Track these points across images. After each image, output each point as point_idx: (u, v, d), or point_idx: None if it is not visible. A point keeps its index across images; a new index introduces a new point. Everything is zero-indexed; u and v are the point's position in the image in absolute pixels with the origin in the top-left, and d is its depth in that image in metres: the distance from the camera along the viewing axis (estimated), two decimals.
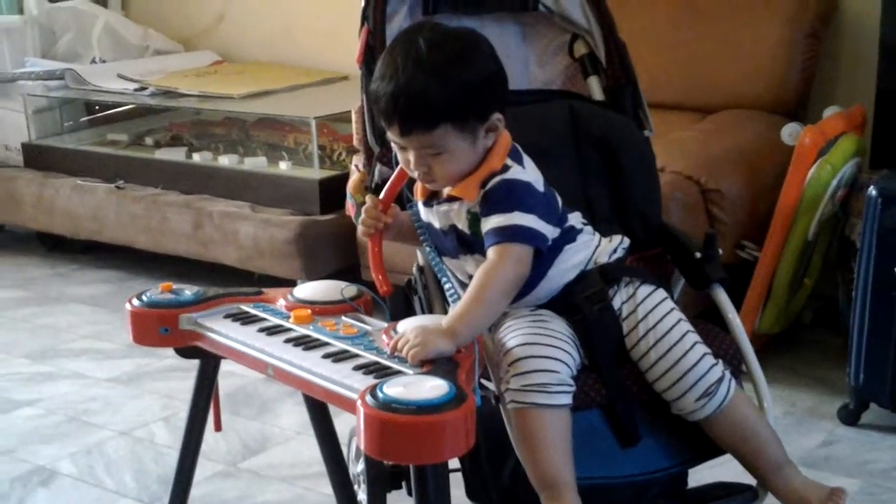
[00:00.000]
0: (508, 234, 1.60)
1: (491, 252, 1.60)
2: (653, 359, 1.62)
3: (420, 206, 1.73)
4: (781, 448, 1.66)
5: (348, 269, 3.12)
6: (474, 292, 1.57)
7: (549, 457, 1.55)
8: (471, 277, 1.62)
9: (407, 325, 1.56)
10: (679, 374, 1.61)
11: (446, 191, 1.67)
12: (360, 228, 1.74)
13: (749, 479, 1.69)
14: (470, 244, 1.66)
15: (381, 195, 1.74)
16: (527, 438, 1.56)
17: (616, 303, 1.68)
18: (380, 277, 1.70)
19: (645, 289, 1.69)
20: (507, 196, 1.61)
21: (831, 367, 2.80)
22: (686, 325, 1.65)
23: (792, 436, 2.48)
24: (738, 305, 1.91)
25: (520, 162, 1.66)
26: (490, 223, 1.61)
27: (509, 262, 1.58)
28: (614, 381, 1.63)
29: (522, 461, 1.57)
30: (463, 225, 1.65)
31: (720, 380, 1.62)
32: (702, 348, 1.63)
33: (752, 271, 2.71)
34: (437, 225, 1.70)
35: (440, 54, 1.58)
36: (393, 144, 1.67)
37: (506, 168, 1.63)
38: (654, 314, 1.65)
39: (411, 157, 1.62)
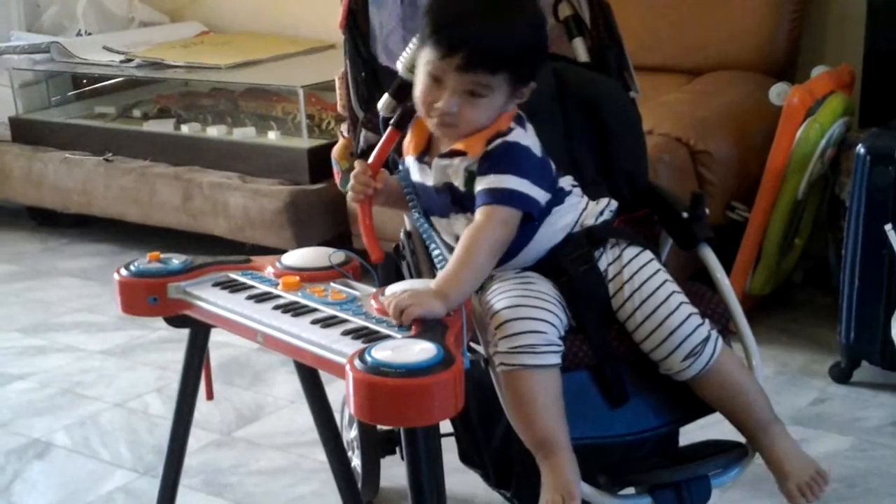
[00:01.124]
0: (499, 197, 1.59)
1: (479, 213, 1.59)
2: (639, 320, 1.62)
3: (411, 162, 1.72)
4: (769, 407, 1.66)
5: (339, 237, 3.11)
6: (461, 254, 1.57)
7: (542, 417, 1.55)
8: (457, 238, 1.62)
9: (395, 290, 1.56)
10: (665, 335, 1.61)
11: (443, 146, 1.65)
12: (349, 195, 1.72)
13: (740, 438, 1.70)
14: (463, 202, 1.65)
15: (370, 160, 1.73)
16: (518, 400, 1.57)
17: (602, 264, 1.67)
18: (371, 243, 1.69)
19: (631, 250, 1.68)
20: (505, 158, 1.61)
21: (822, 326, 2.81)
22: (672, 286, 1.64)
23: (784, 395, 2.49)
24: (728, 267, 1.91)
25: (522, 126, 1.66)
26: (483, 183, 1.60)
27: (496, 224, 1.58)
28: (601, 342, 1.63)
29: (514, 423, 1.57)
30: (459, 182, 1.64)
31: (706, 339, 1.62)
32: (688, 308, 1.63)
33: (742, 232, 2.71)
34: (429, 182, 1.68)
35: (521, 4, 1.61)
36: (422, 74, 1.61)
37: (509, 130, 1.63)
38: (639, 275, 1.65)
39: (446, 93, 1.59)
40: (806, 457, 1.66)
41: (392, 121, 1.74)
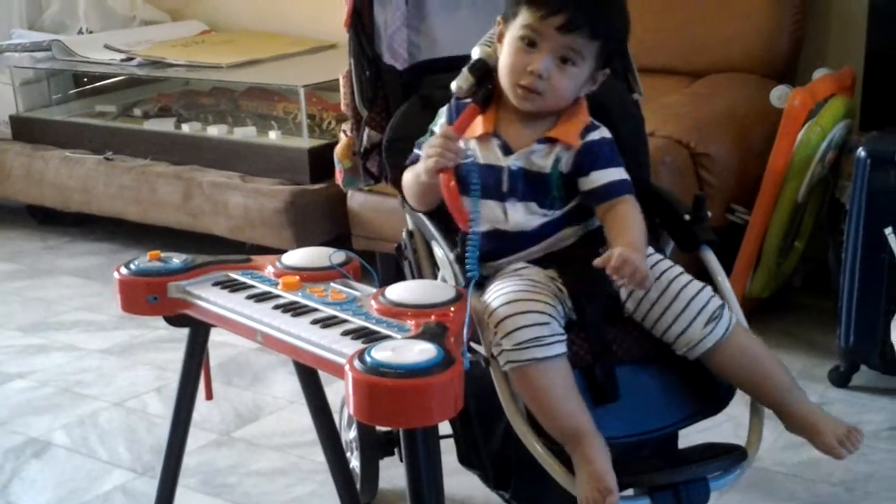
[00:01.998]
0: (628, 187, 1.68)
1: (626, 202, 1.66)
2: (653, 297, 1.62)
3: (475, 143, 1.70)
4: (788, 372, 1.66)
5: (339, 237, 3.11)
6: (639, 227, 1.64)
7: (562, 407, 1.55)
8: (494, 222, 1.65)
9: (399, 290, 1.56)
10: (683, 304, 1.61)
11: (512, 129, 1.68)
12: (430, 161, 1.65)
13: (739, 441, 1.70)
14: (535, 190, 1.67)
15: (454, 126, 1.69)
16: (534, 395, 1.56)
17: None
18: (459, 213, 1.64)
19: None
20: (612, 151, 1.70)
21: (822, 329, 2.81)
22: (680, 268, 1.66)
23: None
24: (728, 269, 1.91)
25: None
26: (610, 175, 1.67)
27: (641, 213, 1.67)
28: (598, 337, 1.62)
29: (537, 417, 1.56)
30: (545, 167, 1.67)
31: (722, 306, 1.63)
32: (699, 282, 1.65)
33: (742, 235, 2.71)
34: (500, 163, 1.68)
35: None
36: (514, 40, 1.65)
37: (595, 125, 1.71)
38: (647, 261, 1.65)
39: (541, 55, 1.62)
40: (835, 417, 1.64)
41: (476, 98, 1.72)
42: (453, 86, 1.74)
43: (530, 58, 1.64)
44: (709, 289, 1.64)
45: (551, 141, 1.68)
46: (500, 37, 1.71)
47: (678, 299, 1.61)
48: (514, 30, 1.66)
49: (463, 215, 1.64)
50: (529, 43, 1.64)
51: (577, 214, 1.72)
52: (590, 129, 1.70)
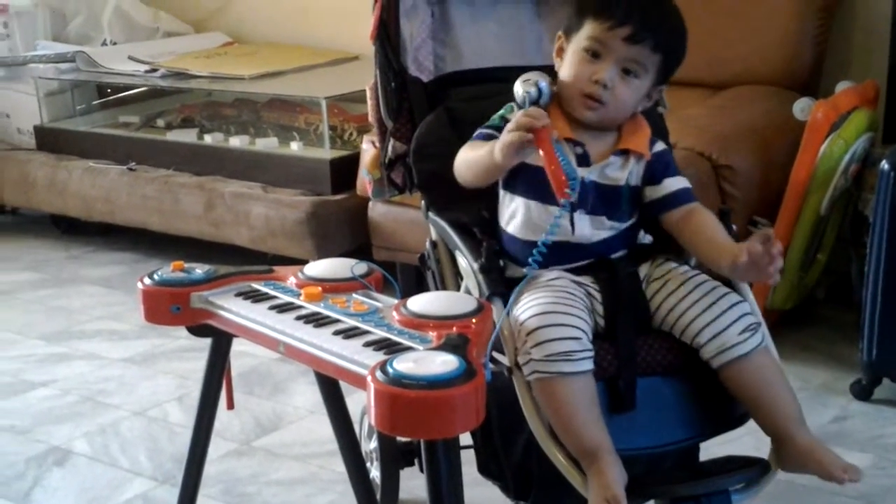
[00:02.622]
0: (694, 195, 1.73)
1: (701, 208, 1.71)
2: (695, 298, 1.64)
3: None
4: (798, 404, 1.66)
5: (360, 248, 3.12)
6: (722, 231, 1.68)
7: (583, 423, 1.55)
8: (543, 232, 1.64)
9: (421, 301, 1.57)
10: (723, 308, 1.62)
11: (600, 146, 1.69)
12: (514, 135, 1.59)
13: (761, 454, 1.69)
14: (606, 203, 1.68)
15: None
16: (557, 408, 1.56)
17: (641, 272, 1.70)
18: (558, 178, 1.57)
19: (670, 262, 1.73)
20: (674, 161, 1.77)
21: (844, 342, 2.79)
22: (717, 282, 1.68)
23: (805, 411, 2.42)
24: (750, 282, 1.90)
25: None
26: (678, 183, 1.72)
27: None
28: (627, 344, 1.62)
29: (556, 430, 1.57)
30: (620, 180, 1.69)
31: (759, 324, 1.64)
32: (739, 296, 1.66)
33: None
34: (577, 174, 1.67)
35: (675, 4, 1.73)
36: (578, 51, 1.68)
37: (654, 137, 1.75)
38: (683, 273, 1.69)
39: (606, 64, 1.65)
40: (835, 454, 1.65)
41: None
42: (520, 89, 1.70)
43: (595, 67, 1.66)
44: (746, 304, 1.65)
45: (625, 153, 1.70)
46: (560, 52, 1.74)
47: (718, 304, 1.63)
48: (579, 41, 1.68)
49: (561, 182, 1.57)
50: (594, 54, 1.67)
51: (636, 228, 1.75)
52: (653, 140, 1.74)
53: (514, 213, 1.73)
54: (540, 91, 1.68)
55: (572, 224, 1.68)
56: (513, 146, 1.61)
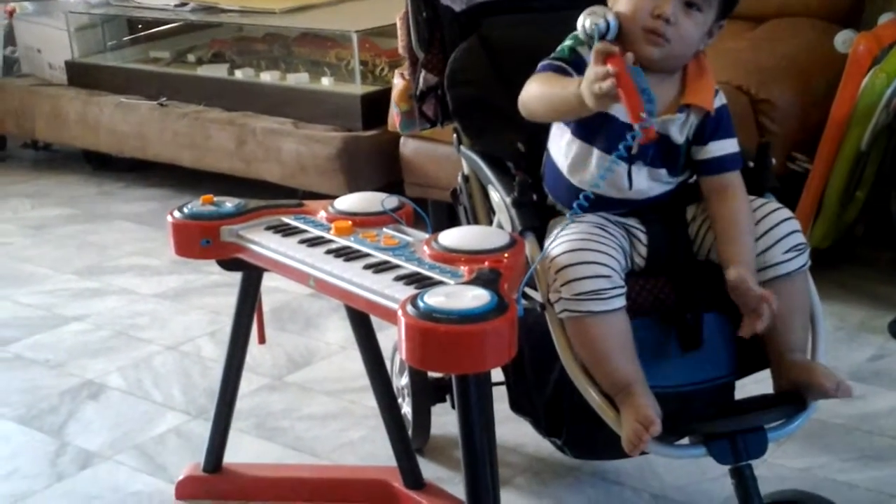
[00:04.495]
0: (737, 162, 1.65)
1: (734, 186, 1.63)
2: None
3: None
4: (807, 338, 1.63)
5: (391, 184, 3.10)
6: (748, 227, 1.60)
7: (616, 360, 1.54)
8: (614, 188, 1.61)
9: (452, 236, 1.55)
10: (770, 225, 1.59)
11: (663, 96, 1.59)
12: (607, 86, 1.44)
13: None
14: (665, 156, 1.62)
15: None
16: (588, 346, 1.55)
17: (689, 214, 1.67)
18: (634, 98, 1.44)
19: None
20: (730, 118, 1.66)
21: (883, 281, 2.76)
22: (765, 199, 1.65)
23: (842, 350, 2.45)
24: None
25: None
26: (725, 147, 1.63)
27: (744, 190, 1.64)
28: (687, 283, 1.61)
29: (589, 367, 1.55)
30: (681, 137, 1.62)
31: (805, 244, 1.61)
32: (788, 211, 1.63)
33: (803, 184, 2.66)
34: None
35: None
36: None
37: (716, 87, 1.65)
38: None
39: (669, 0, 1.56)
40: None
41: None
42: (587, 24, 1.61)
43: (657, 1, 1.57)
44: (796, 221, 1.62)
45: (688, 107, 1.62)
46: None
47: (765, 220, 1.60)
48: None
49: (637, 103, 1.44)
50: None
51: (688, 179, 1.69)
52: (716, 90, 1.65)
53: (569, 153, 1.66)
54: (608, 24, 1.59)
55: (630, 179, 1.62)
56: (607, 97, 1.46)
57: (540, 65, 1.65)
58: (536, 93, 1.62)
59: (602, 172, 1.55)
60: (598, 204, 1.59)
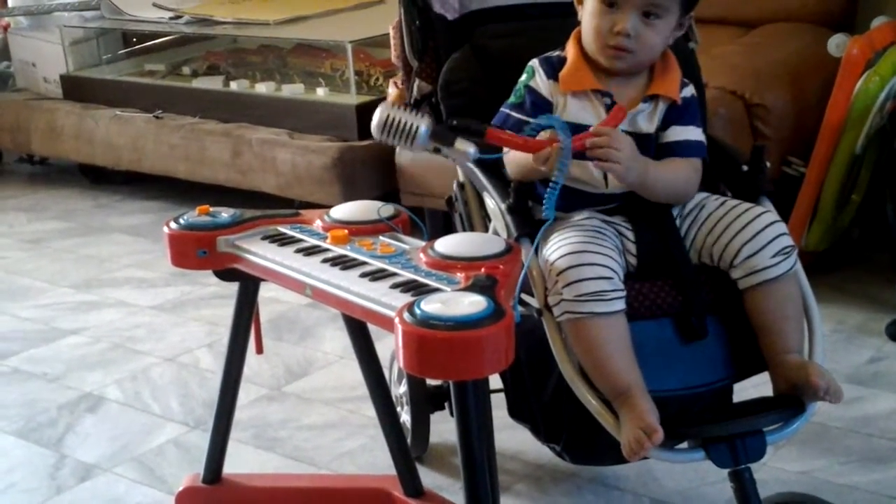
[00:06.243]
0: (700, 150, 1.68)
1: (694, 164, 1.67)
2: (727, 221, 1.62)
3: (571, 100, 1.66)
4: (802, 339, 1.63)
5: (388, 194, 3.09)
6: (673, 175, 1.64)
7: (615, 363, 1.54)
8: (591, 184, 1.64)
9: (448, 243, 1.55)
10: (756, 230, 1.59)
11: (630, 93, 1.65)
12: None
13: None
14: (639, 151, 1.62)
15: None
16: (588, 348, 1.55)
17: (675, 209, 1.68)
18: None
19: (701, 193, 1.71)
20: (696, 109, 1.71)
21: (880, 283, 2.76)
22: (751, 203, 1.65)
23: (840, 353, 2.45)
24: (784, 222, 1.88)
25: None
26: (687, 133, 1.67)
27: (697, 174, 1.67)
28: (692, 279, 1.61)
29: (587, 371, 1.55)
30: (651, 128, 1.66)
31: (793, 247, 1.61)
32: (775, 215, 1.63)
33: (798, 188, 2.66)
34: (594, 122, 1.62)
35: None
36: (594, 2, 1.63)
37: (685, 80, 1.70)
38: (716, 199, 1.67)
39: (624, 15, 1.60)
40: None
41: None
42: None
43: (614, 18, 1.61)
44: (783, 225, 1.62)
45: (654, 98, 1.66)
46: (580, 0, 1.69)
47: (752, 224, 1.60)
48: None
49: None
50: (609, 3, 1.62)
51: None
52: (684, 83, 1.69)
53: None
54: (419, 131, 1.57)
55: (605, 177, 1.64)
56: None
57: (500, 111, 1.71)
58: (512, 160, 1.68)
59: (559, 164, 1.56)
60: (581, 199, 1.62)
